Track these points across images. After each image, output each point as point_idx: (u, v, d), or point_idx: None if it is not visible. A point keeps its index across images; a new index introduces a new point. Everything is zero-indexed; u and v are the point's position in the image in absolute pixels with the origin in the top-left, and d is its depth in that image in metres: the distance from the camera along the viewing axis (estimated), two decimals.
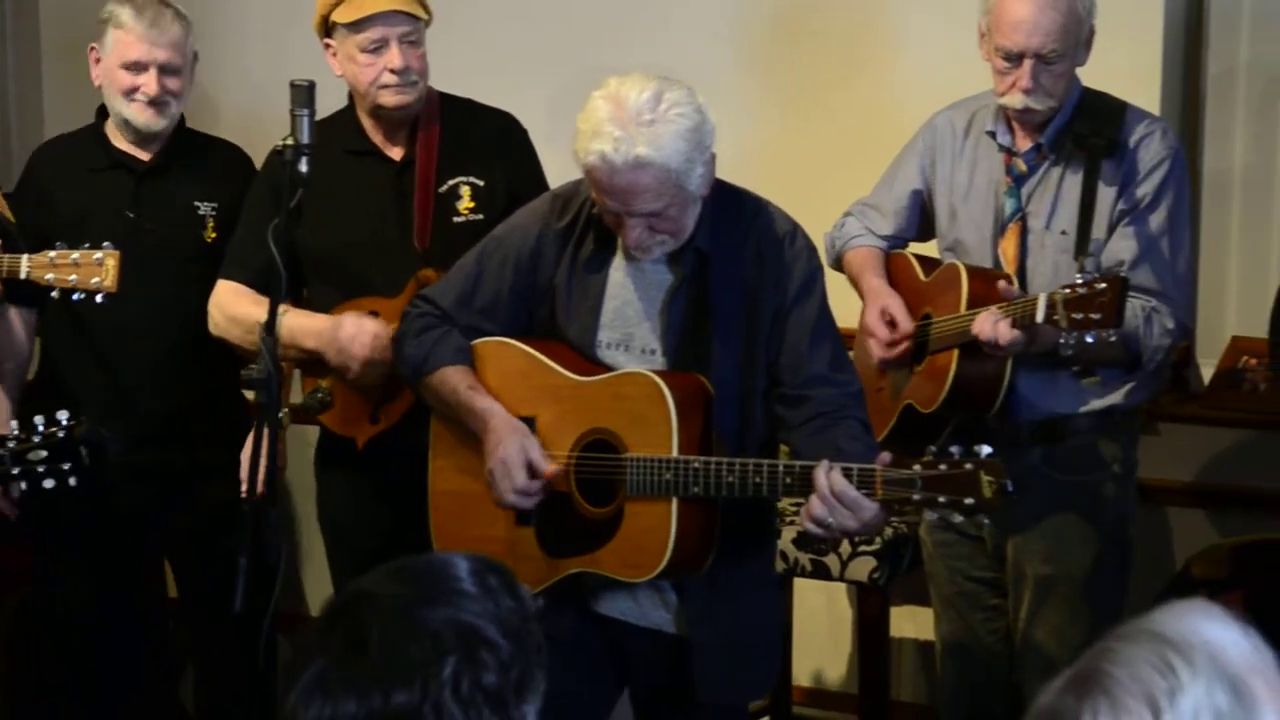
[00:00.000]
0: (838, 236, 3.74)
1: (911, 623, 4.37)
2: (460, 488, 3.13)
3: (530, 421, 3.06)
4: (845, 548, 4.01)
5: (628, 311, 3.04)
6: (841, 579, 4.07)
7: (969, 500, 2.70)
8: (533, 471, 3.01)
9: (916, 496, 2.73)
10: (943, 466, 2.71)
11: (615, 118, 2.84)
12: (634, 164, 2.83)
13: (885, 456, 2.78)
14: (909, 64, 4.27)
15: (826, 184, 3.85)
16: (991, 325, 3.21)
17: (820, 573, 4.06)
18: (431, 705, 1.56)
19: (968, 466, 2.69)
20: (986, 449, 2.72)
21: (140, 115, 3.80)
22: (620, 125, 2.84)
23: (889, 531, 4.01)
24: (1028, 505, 3.49)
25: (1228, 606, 3.45)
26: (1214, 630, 1.37)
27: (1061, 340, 3.14)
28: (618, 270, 3.05)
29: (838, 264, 3.73)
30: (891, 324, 3.52)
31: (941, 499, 2.72)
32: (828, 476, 2.78)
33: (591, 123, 2.87)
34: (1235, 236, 4.15)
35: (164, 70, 3.80)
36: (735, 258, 3.00)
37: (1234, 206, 4.14)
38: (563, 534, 3.03)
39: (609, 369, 3.03)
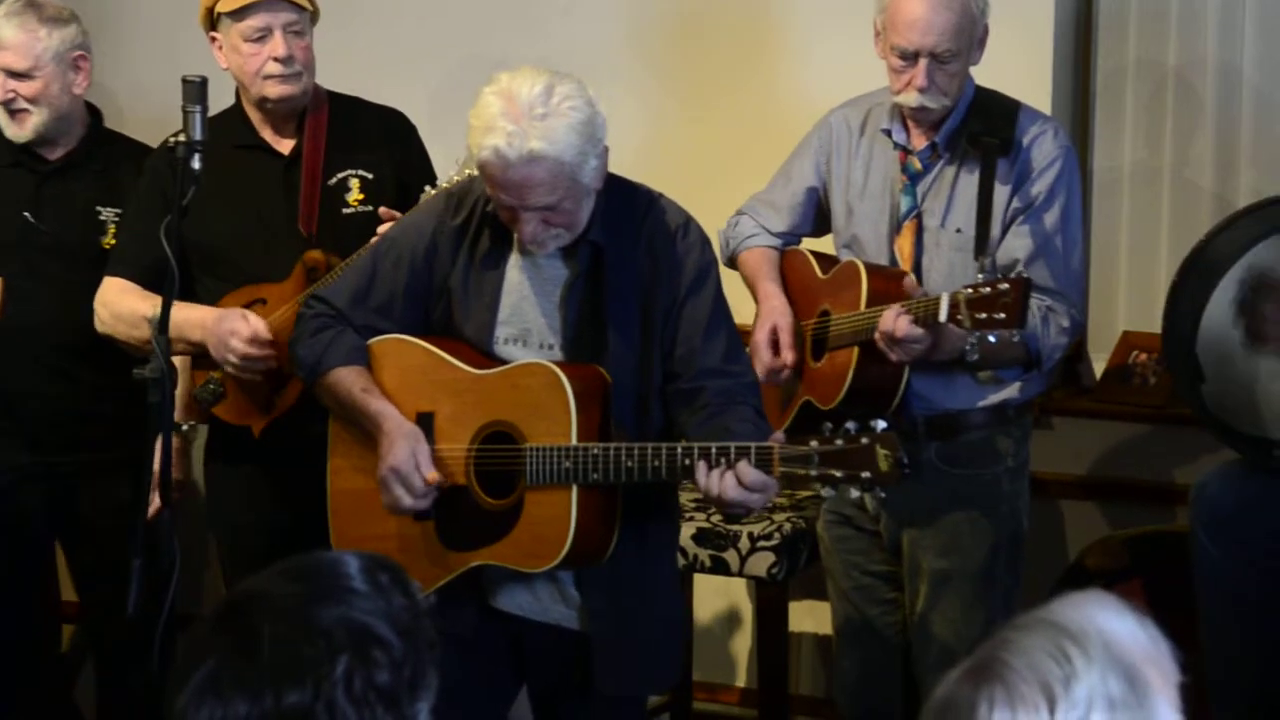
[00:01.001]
0: (732, 235, 3.75)
1: (810, 617, 4.40)
2: (359, 486, 3.12)
3: (429, 416, 3.05)
4: (744, 543, 4.03)
5: (524, 307, 3.04)
6: (740, 574, 4.08)
7: (865, 474, 2.72)
8: (424, 476, 3.00)
9: (813, 473, 2.75)
10: (839, 442, 2.73)
11: (508, 112, 2.84)
12: (528, 158, 2.83)
13: (779, 436, 2.80)
14: (807, 60, 4.30)
15: (724, 179, 3.88)
16: (893, 317, 3.24)
17: (719, 568, 4.07)
18: (324, 705, 1.55)
19: (863, 441, 2.72)
20: (881, 424, 2.74)
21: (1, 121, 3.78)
22: (513, 120, 2.83)
23: (787, 527, 4.04)
24: (923, 499, 3.53)
25: (1124, 597, 3.50)
26: (1109, 620, 1.40)
27: (967, 347, 3.18)
28: (514, 266, 3.05)
29: (731, 262, 3.75)
30: (776, 346, 3.54)
31: (838, 474, 2.73)
32: (734, 472, 2.80)
33: (484, 118, 2.87)
34: (1125, 233, 4.21)
35: (11, 75, 3.75)
36: (629, 251, 3.01)
37: (1124, 203, 4.19)
38: (463, 527, 3.03)
39: (507, 364, 3.03)
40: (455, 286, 3.07)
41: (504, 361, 3.03)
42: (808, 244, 3.75)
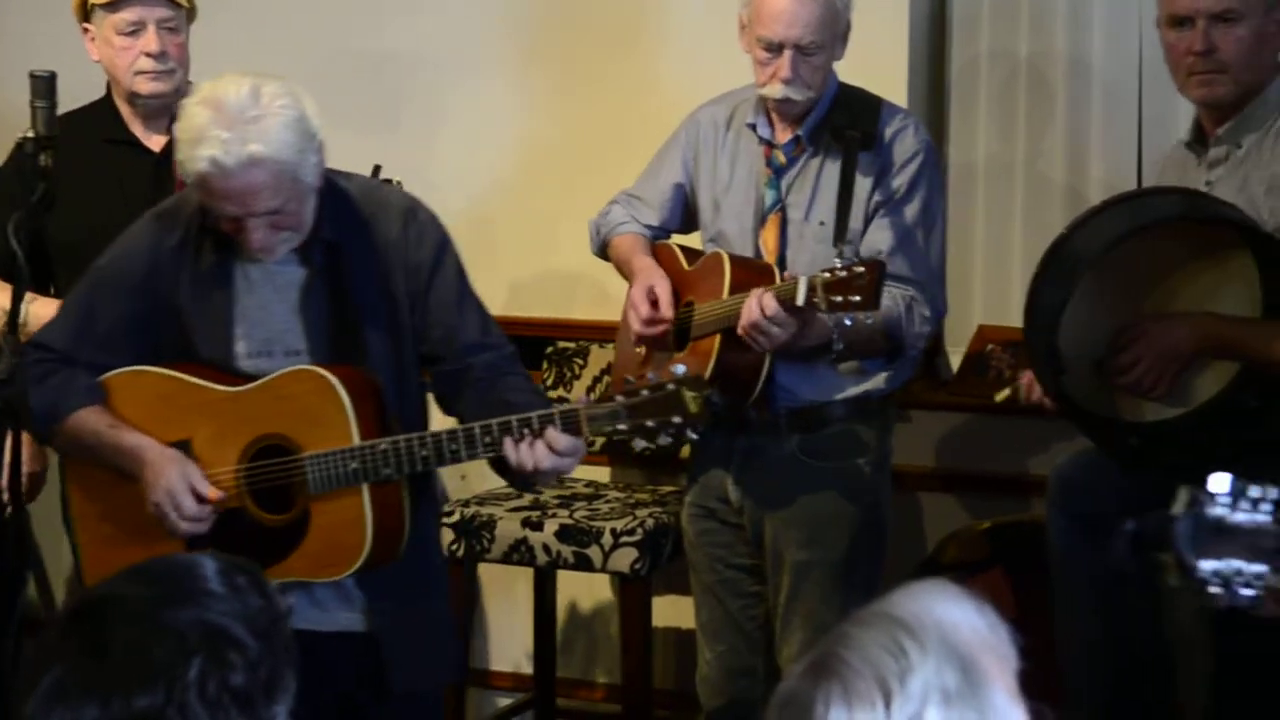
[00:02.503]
0: (603, 224, 3.77)
1: (673, 611, 4.41)
2: (113, 532, 3.01)
3: (185, 445, 2.97)
4: (607, 539, 4.03)
5: (261, 317, 2.98)
6: (603, 570, 4.09)
7: (676, 419, 2.71)
8: (199, 497, 2.92)
9: (623, 426, 2.74)
10: (644, 393, 2.72)
11: (218, 120, 2.78)
12: (248, 163, 2.77)
13: (584, 398, 2.82)
14: (683, 48, 4.31)
15: (601, 167, 3.88)
16: (757, 300, 3.25)
17: (582, 565, 4.07)
18: (176, 708, 1.53)
19: (669, 387, 2.71)
20: (681, 368, 2.75)
21: None
22: (225, 126, 2.77)
23: (650, 523, 4.05)
24: (786, 491, 3.56)
25: (982, 587, 3.52)
26: (947, 610, 1.41)
27: (834, 336, 3.20)
28: (242, 278, 2.98)
29: (602, 251, 3.76)
30: (655, 304, 3.55)
31: (650, 423, 2.73)
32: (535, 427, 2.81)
33: (192, 130, 2.80)
34: (980, 226, 4.26)
35: None
36: (363, 243, 2.98)
37: (978, 197, 4.25)
38: (243, 549, 2.89)
39: (256, 378, 2.96)
40: (184, 308, 2.98)
41: (250, 376, 2.96)
42: (675, 239, 3.76)
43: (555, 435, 2.79)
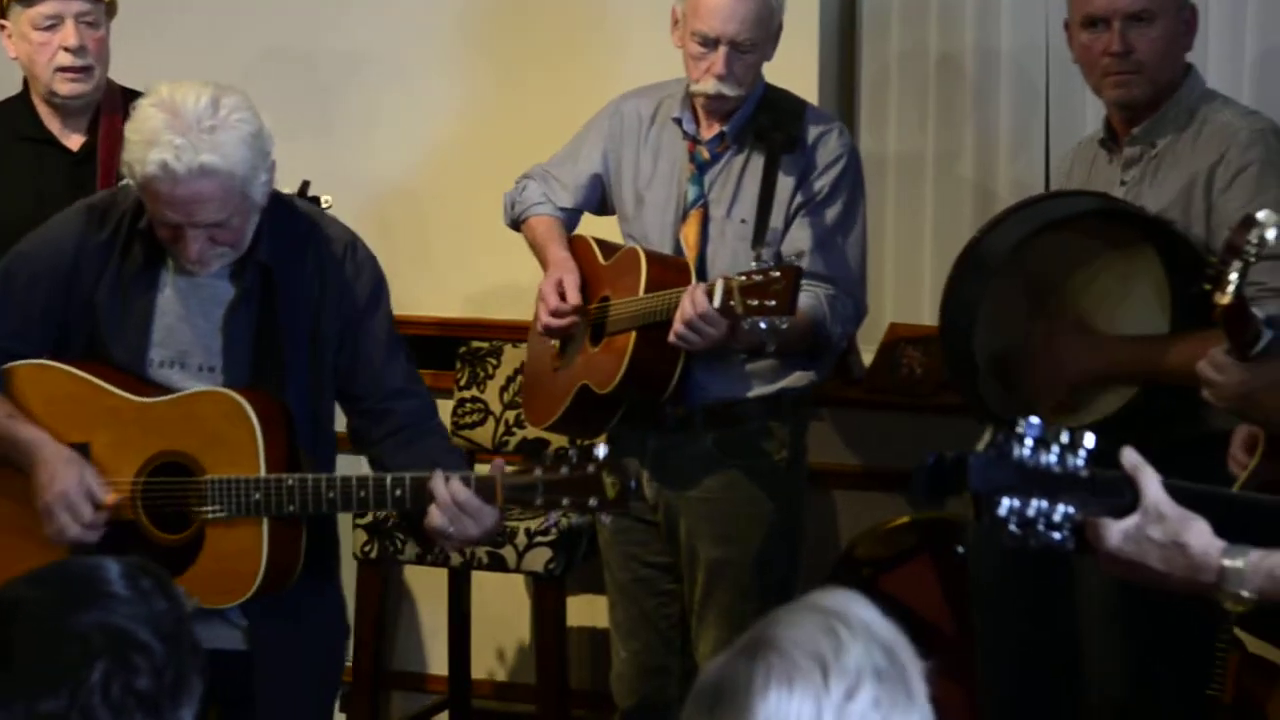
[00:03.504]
0: (518, 199, 3.75)
1: (588, 610, 4.41)
2: None
3: (83, 448, 2.90)
4: (522, 540, 4.03)
5: (181, 328, 2.94)
6: (518, 571, 4.08)
7: (592, 501, 2.70)
8: (96, 504, 2.86)
9: (539, 501, 2.73)
10: (564, 470, 2.71)
11: (173, 125, 2.74)
12: (198, 172, 2.73)
13: (499, 463, 2.77)
14: (627, 42, 4.31)
15: (542, 157, 3.86)
16: (690, 297, 3.25)
17: (497, 565, 4.06)
18: (80, 711, 1.51)
19: (590, 469, 2.70)
20: (603, 449, 2.74)
21: None
22: (180, 133, 2.74)
23: (564, 523, 4.04)
24: (701, 488, 3.56)
25: (903, 580, 3.53)
26: (863, 609, 1.44)
27: (764, 339, 3.20)
28: (169, 286, 2.94)
29: (516, 225, 3.75)
30: (562, 296, 3.55)
31: (565, 500, 2.72)
32: (448, 487, 2.77)
33: (145, 132, 2.76)
34: (890, 226, 4.28)
35: None
36: (297, 270, 2.94)
37: (889, 196, 4.27)
38: None
39: (165, 388, 2.92)
40: (101, 306, 2.93)
41: (160, 386, 2.92)
42: (596, 230, 3.76)
43: (457, 488, 2.76)
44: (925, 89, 4.25)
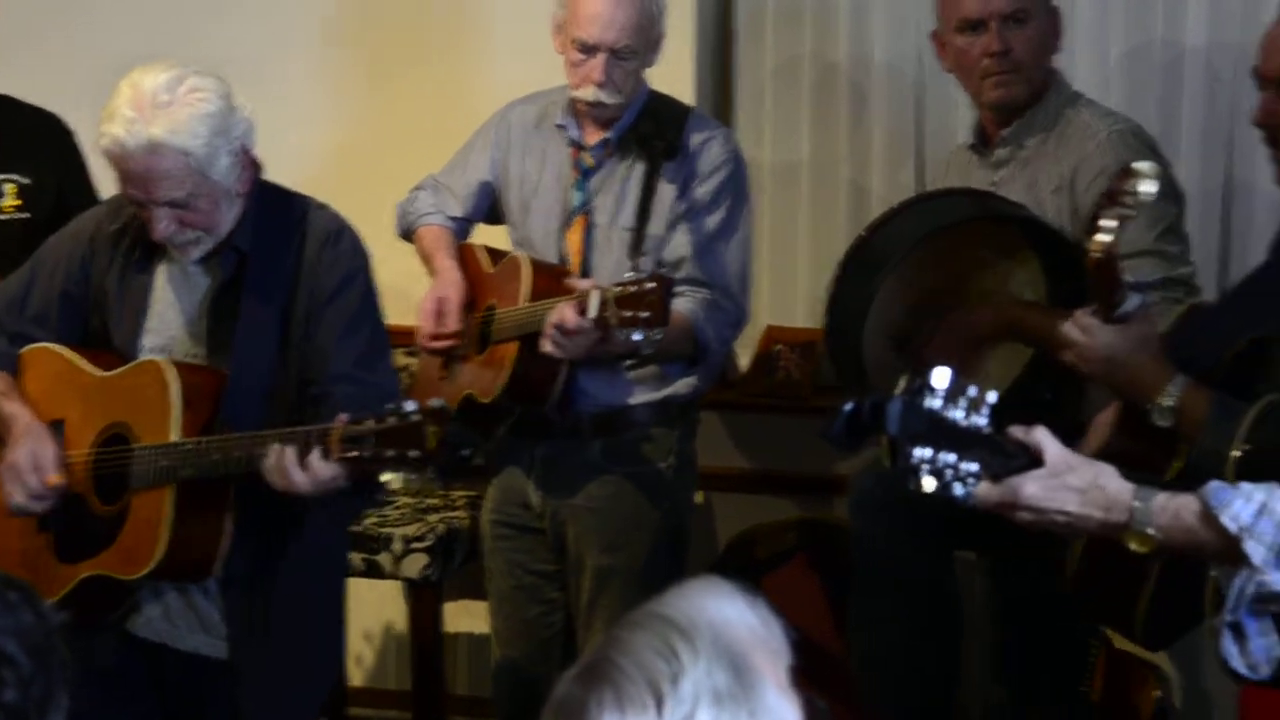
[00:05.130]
0: (409, 209, 3.74)
1: (466, 616, 4.39)
2: None
3: (60, 424, 2.96)
4: (398, 546, 4.00)
5: (170, 315, 2.96)
6: (394, 577, 4.05)
7: (414, 453, 2.65)
8: (42, 475, 2.90)
9: (366, 454, 2.68)
10: (392, 420, 2.67)
11: (131, 100, 2.77)
12: (148, 147, 2.75)
13: (344, 417, 2.72)
14: (497, 43, 4.30)
15: (410, 174, 3.84)
16: (559, 314, 3.25)
17: (373, 572, 4.04)
18: None
19: (414, 418, 2.65)
20: (438, 401, 2.72)
21: None
22: (135, 108, 2.76)
23: (441, 528, 4.02)
24: (588, 496, 3.56)
25: (784, 581, 3.53)
26: (720, 608, 1.42)
27: (640, 344, 3.20)
28: (162, 274, 2.97)
29: (408, 235, 3.74)
30: (441, 316, 3.52)
31: (390, 453, 2.67)
32: (281, 453, 2.72)
33: (109, 106, 2.80)
34: (767, 230, 4.30)
35: None
36: (277, 257, 2.94)
37: (765, 202, 4.29)
38: (77, 537, 2.92)
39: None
40: (109, 293, 2.98)
41: None
42: (485, 237, 3.75)
43: (314, 459, 2.71)
44: (800, 96, 4.28)
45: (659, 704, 1.35)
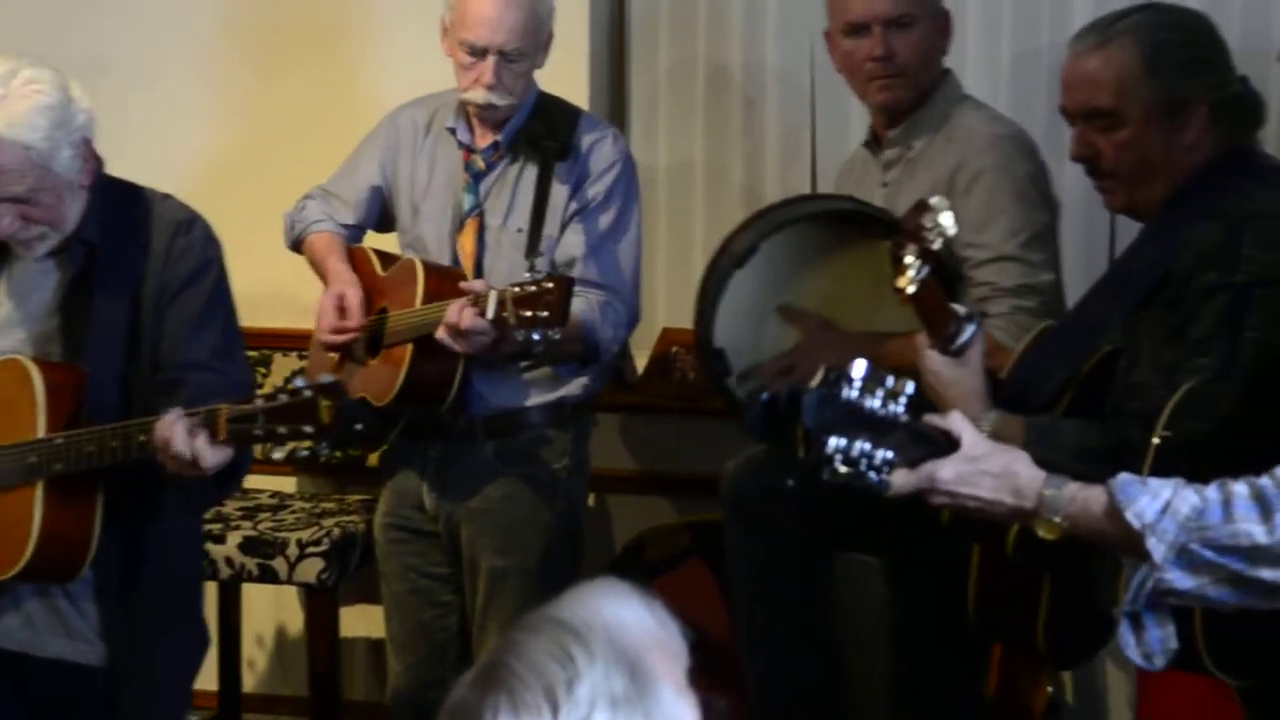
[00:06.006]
0: (298, 219, 3.71)
1: (363, 621, 4.37)
2: None
3: None
4: (293, 550, 3.97)
5: (16, 316, 2.92)
6: (290, 582, 4.02)
7: (308, 428, 2.64)
8: None
9: (258, 431, 2.66)
10: (283, 397, 2.65)
11: None
12: None
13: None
14: (380, 55, 4.28)
15: (296, 175, 3.81)
16: (458, 310, 3.24)
17: (268, 577, 4.00)
18: None
19: (306, 394, 2.63)
20: (329, 376, 2.70)
21: None
22: None
23: (336, 532, 4.00)
24: (482, 498, 3.55)
25: (681, 581, 3.53)
26: (616, 611, 1.42)
27: (534, 339, 3.20)
28: (8, 274, 2.93)
29: (297, 246, 3.71)
30: (343, 311, 3.51)
31: (282, 430, 2.65)
32: (171, 428, 2.69)
33: None
34: (662, 233, 4.32)
35: None
36: (126, 248, 2.91)
37: (660, 204, 4.31)
38: None
39: None
40: None
41: None
42: (373, 241, 3.73)
43: (201, 439, 2.68)
44: (694, 99, 4.30)
45: (554, 708, 1.34)
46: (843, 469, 2.00)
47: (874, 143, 3.58)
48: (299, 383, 2.63)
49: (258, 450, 2.82)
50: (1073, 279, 3.48)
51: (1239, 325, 2.54)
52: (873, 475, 2.03)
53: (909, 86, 3.46)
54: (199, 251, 2.94)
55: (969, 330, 2.54)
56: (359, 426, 2.67)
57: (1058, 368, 2.74)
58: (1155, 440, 2.37)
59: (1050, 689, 3.71)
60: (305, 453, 2.67)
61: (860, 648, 3.76)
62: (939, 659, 3.48)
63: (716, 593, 3.83)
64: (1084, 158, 2.78)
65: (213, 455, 2.66)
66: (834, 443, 1.99)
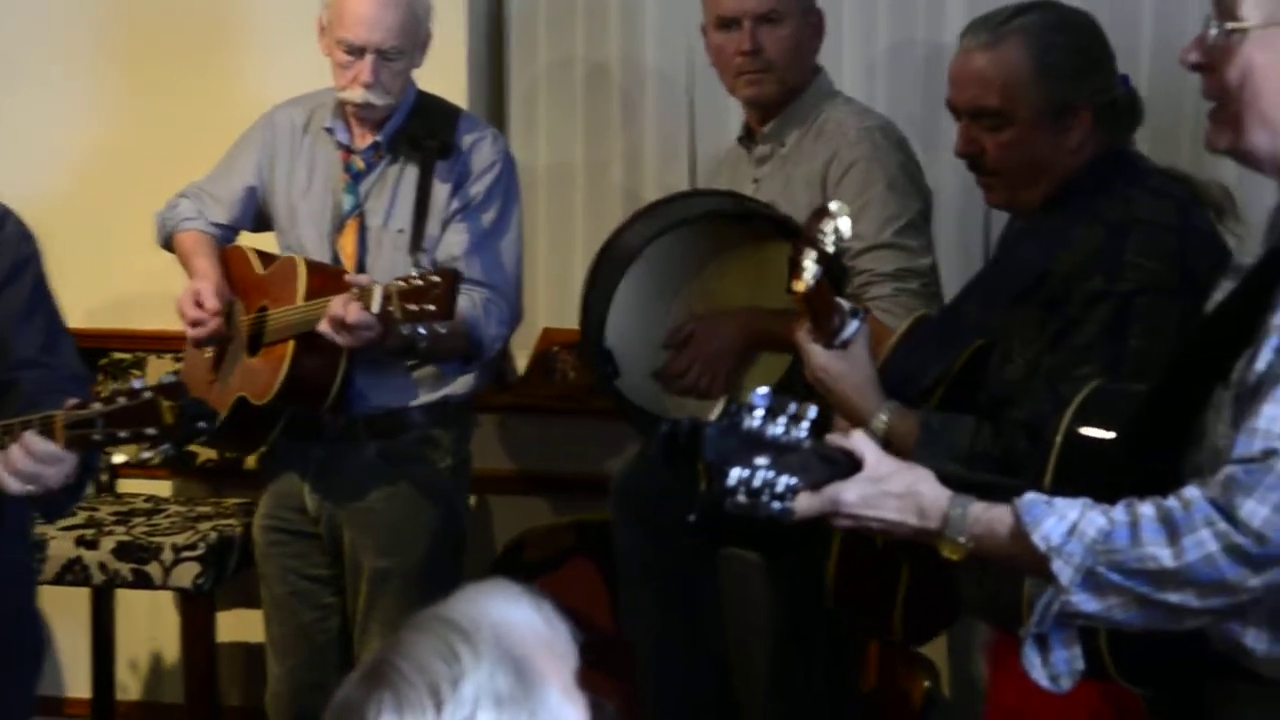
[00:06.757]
0: (169, 217, 3.67)
1: (241, 625, 4.32)
2: None
3: None
4: (168, 555, 3.92)
5: None
6: (165, 587, 3.97)
7: (150, 430, 2.60)
8: None
9: (97, 436, 2.61)
10: (122, 400, 2.60)
11: None
12: None
13: (71, 401, 2.65)
14: (258, 55, 4.23)
15: (173, 175, 3.76)
16: (343, 303, 3.21)
17: (142, 582, 3.95)
18: None
19: (146, 395, 2.59)
20: (170, 376, 2.67)
21: None
22: None
23: (213, 536, 3.95)
24: (364, 498, 3.53)
25: (566, 581, 3.52)
26: (504, 611, 1.42)
27: (418, 334, 3.18)
28: None
29: (168, 244, 3.67)
30: (199, 304, 3.47)
31: (123, 434, 2.61)
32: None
33: None
34: (542, 233, 4.31)
35: None
36: None
37: (540, 204, 4.30)
38: None
39: None
40: None
41: None
42: (251, 241, 3.69)
43: (32, 440, 2.63)
44: (574, 98, 4.29)
45: (438, 707, 1.34)
46: (744, 500, 1.98)
47: (748, 138, 3.62)
48: (137, 384, 2.59)
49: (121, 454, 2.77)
50: (947, 271, 3.53)
51: (1122, 333, 2.57)
52: (776, 504, 1.99)
53: (777, 82, 3.50)
54: (14, 248, 2.88)
55: (853, 325, 2.56)
56: (202, 425, 2.64)
57: (932, 362, 2.76)
58: (1059, 439, 2.36)
59: (927, 683, 3.75)
60: (149, 454, 2.63)
61: (742, 644, 3.78)
62: (817, 654, 3.50)
63: (603, 589, 3.84)
64: (968, 154, 2.80)
65: (51, 462, 2.61)
66: (736, 474, 1.96)
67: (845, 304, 2.58)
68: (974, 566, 2.19)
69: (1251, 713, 2.04)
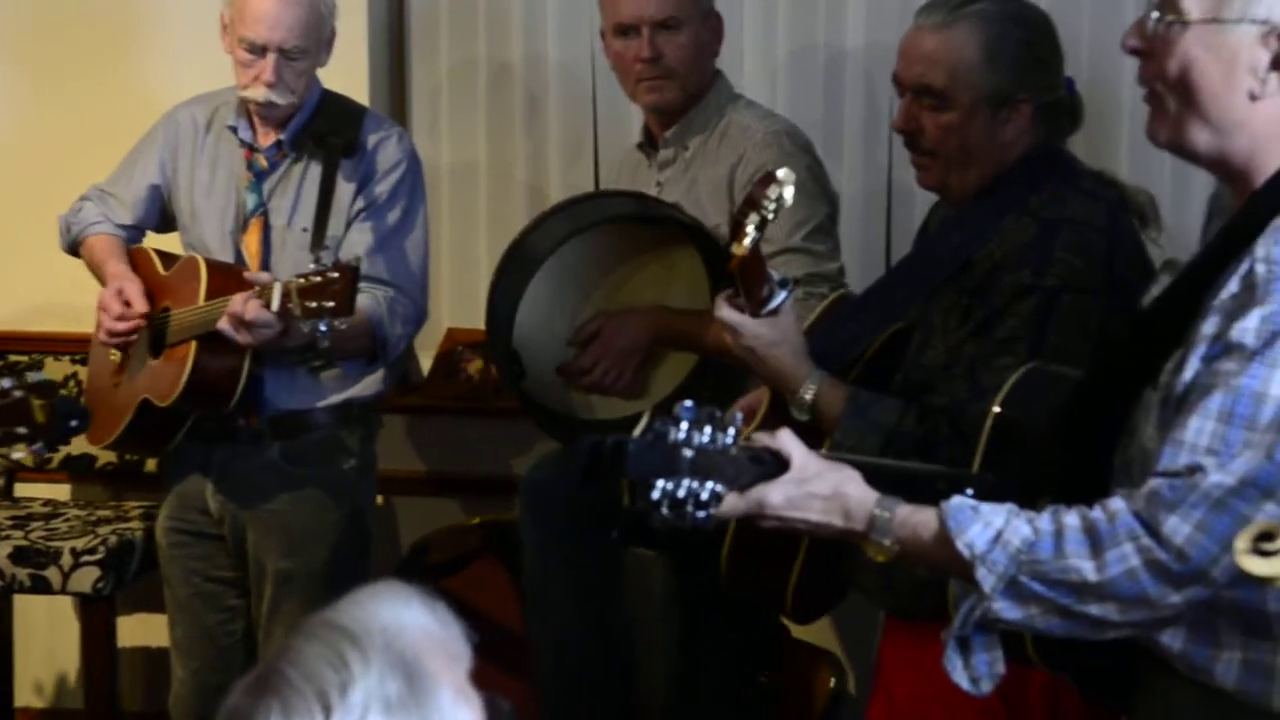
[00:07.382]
0: (74, 221, 3.63)
1: (142, 629, 4.28)
2: None
3: None
4: (67, 560, 3.87)
5: None
6: (64, 592, 3.92)
7: (22, 429, 2.58)
8: None
9: None
10: None
11: None
12: None
13: None
14: (158, 48, 4.19)
15: (74, 176, 3.72)
16: (242, 301, 3.19)
17: (40, 587, 3.90)
18: None
19: (16, 395, 2.58)
20: (39, 374, 2.64)
21: None
22: None
23: (113, 540, 3.92)
24: (268, 500, 3.51)
25: (473, 580, 3.49)
26: (396, 613, 1.41)
27: (319, 333, 3.16)
28: None
29: (74, 249, 3.63)
30: (126, 304, 3.44)
31: None
32: None
33: None
34: (446, 233, 4.30)
35: None
36: None
37: (443, 203, 4.29)
38: None
39: None
40: None
41: None
42: (155, 242, 3.65)
43: None
44: (476, 97, 4.29)
45: (327, 713, 1.33)
46: (668, 513, 1.97)
47: (648, 144, 3.62)
48: (6, 383, 2.56)
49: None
50: (851, 274, 3.55)
51: (1044, 329, 2.59)
52: (700, 514, 1.98)
53: (678, 88, 3.51)
54: None
55: (781, 295, 2.57)
56: (74, 423, 2.61)
57: (851, 340, 2.77)
58: (995, 411, 2.36)
59: (833, 680, 3.77)
60: (20, 455, 2.59)
61: (643, 637, 3.78)
62: (719, 649, 3.52)
63: (510, 589, 3.83)
64: (906, 130, 2.80)
65: None
66: (661, 486, 1.95)
67: (774, 274, 2.59)
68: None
69: (1175, 700, 2.05)
